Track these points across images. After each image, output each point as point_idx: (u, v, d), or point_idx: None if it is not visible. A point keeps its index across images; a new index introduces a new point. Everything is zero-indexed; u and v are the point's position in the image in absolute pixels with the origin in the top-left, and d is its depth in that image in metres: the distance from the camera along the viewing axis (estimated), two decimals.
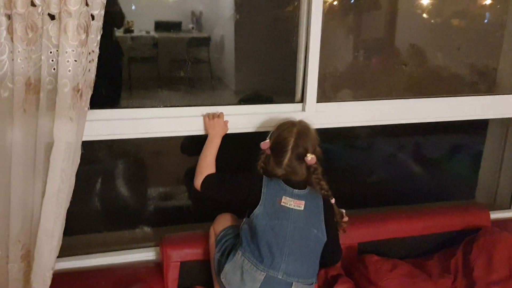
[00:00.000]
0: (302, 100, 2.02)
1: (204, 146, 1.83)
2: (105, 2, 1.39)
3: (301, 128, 1.74)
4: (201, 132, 1.89)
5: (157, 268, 1.96)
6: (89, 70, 1.41)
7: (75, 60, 1.35)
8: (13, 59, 1.40)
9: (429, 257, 2.04)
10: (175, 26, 2.03)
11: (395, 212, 2.19)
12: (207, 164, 1.78)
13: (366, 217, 2.12)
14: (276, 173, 1.72)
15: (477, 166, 2.67)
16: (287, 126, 1.75)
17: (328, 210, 1.73)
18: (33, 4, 1.36)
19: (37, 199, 1.53)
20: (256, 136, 1.88)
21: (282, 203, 1.67)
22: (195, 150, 1.89)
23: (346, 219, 1.81)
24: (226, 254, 1.72)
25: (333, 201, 1.75)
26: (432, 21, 2.27)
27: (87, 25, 1.35)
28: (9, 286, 1.65)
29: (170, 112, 1.90)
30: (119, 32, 1.92)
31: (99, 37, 1.41)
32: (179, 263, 1.87)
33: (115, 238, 2.21)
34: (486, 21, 2.35)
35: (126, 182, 2.18)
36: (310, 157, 1.68)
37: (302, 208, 1.68)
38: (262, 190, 1.69)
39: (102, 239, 2.18)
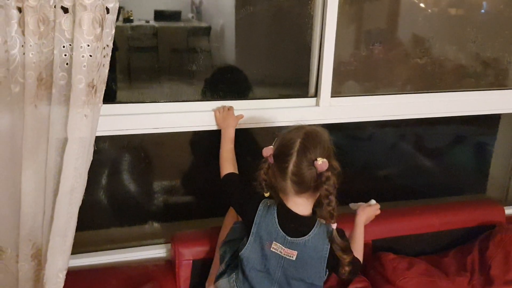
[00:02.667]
0: (316, 94, 1.98)
1: (221, 142, 1.74)
2: None
3: (310, 131, 1.45)
4: (213, 127, 1.86)
5: (168, 265, 1.93)
6: (103, 65, 1.37)
7: (90, 55, 1.31)
8: (24, 53, 1.35)
9: (444, 254, 2.01)
10: (175, 15, 1.99)
11: (409, 209, 2.16)
12: (224, 160, 1.67)
13: (380, 213, 2.08)
14: (281, 187, 1.45)
15: (488, 161, 2.64)
16: (293, 129, 1.48)
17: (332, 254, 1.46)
18: None
19: (49, 197, 1.50)
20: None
21: (272, 249, 1.45)
22: (203, 145, 1.85)
23: (347, 261, 1.46)
24: (227, 261, 1.66)
25: (334, 226, 1.44)
26: (447, 13, 2.23)
27: (102, 18, 1.30)
28: (19, 286, 1.62)
29: (181, 107, 1.87)
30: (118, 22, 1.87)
31: (113, 31, 1.37)
32: (191, 261, 1.84)
33: (122, 234, 2.17)
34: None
35: (133, 177, 2.14)
36: (321, 161, 1.36)
37: (294, 259, 1.45)
38: (252, 228, 1.47)
39: (109, 235, 2.15)
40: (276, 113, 1.92)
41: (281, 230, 1.45)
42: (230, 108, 1.82)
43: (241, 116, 1.83)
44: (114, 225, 2.17)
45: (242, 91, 2.05)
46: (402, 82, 2.22)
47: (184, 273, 1.83)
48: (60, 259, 1.48)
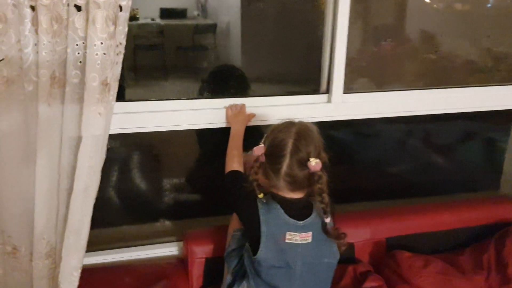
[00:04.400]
0: (328, 91, 1.96)
1: (229, 139, 1.71)
2: None
3: (301, 128, 1.45)
4: (223, 125, 1.85)
5: (180, 263, 1.93)
6: (116, 63, 1.36)
7: (104, 53, 1.30)
8: (37, 52, 1.35)
9: (459, 252, 1.99)
10: (180, 13, 1.98)
11: (423, 206, 2.14)
12: (231, 157, 1.63)
13: (394, 211, 2.08)
14: (274, 185, 1.46)
15: (502, 157, 2.62)
16: (284, 127, 1.46)
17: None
18: None
19: (63, 196, 1.50)
20: None
21: (286, 240, 1.44)
22: (213, 143, 1.85)
23: (344, 242, 1.52)
24: (232, 272, 1.64)
25: (327, 220, 1.46)
26: (458, 8, 2.20)
27: (115, 16, 1.29)
28: (33, 284, 1.62)
29: (192, 104, 1.86)
30: None
31: (126, 29, 1.36)
32: (204, 259, 1.84)
33: (133, 232, 2.18)
34: None
35: (143, 175, 2.14)
36: (315, 162, 1.38)
37: (310, 241, 1.46)
38: (261, 229, 1.44)
39: (119, 233, 2.15)
40: (287, 110, 1.91)
41: (290, 219, 1.45)
42: (242, 106, 1.81)
43: (253, 115, 1.82)
44: (124, 223, 2.17)
45: (250, 88, 2.05)
46: (415, 77, 2.20)
47: (197, 271, 1.83)
48: (75, 257, 1.48)
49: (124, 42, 1.37)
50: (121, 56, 1.38)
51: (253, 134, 1.82)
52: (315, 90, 2.01)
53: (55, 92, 1.41)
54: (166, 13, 1.95)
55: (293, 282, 1.48)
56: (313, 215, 1.48)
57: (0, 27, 1.29)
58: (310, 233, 1.45)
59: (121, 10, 1.31)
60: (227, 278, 1.63)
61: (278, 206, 1.46)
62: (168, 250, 2.01)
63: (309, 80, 2.11)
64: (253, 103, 1.87)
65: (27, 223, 1.54)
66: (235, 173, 1.60)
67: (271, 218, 1.45)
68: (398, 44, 2.16)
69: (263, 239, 1.44)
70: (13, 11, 1.29)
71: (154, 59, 1.99)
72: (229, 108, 1.81)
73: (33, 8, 1.32)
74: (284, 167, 1.40)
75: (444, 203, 2.17)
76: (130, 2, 1.33)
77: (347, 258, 1.93)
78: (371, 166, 2.42)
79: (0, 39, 1.30)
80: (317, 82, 2.00)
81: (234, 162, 1.62)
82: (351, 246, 1.94)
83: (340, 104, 1.94)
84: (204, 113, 1.84)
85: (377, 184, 2.41)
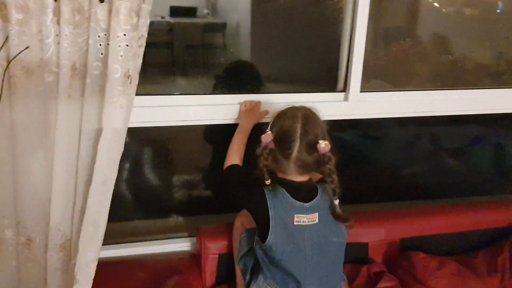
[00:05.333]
0: (345, 89, 1.95)
1: (235, 133, 1.71)
2: None
3: (306, 112, 1.50)
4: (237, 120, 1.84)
5: (193, 259, 1.93)
6: (138, 55, 1.36)
7: (127, 45, 1.30)
8: (58, 43, 1.35)
9: (473, 254, 1.98)
10: (190, 11, 1.97)
11: (437, 207, 2.13)
12: (232, 152, 1.65)
13: (408, 212, 2.07)
14: (284, 170, 1.50)
15: None
16: (289, 112, 1.51)
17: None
18: None
19: (80, 187, 1.49)
20: None
21: (295, 223, 1.47)
22: (226, 139, 1.83)
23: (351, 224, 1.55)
24: (250, 270, 1.65)
25: (337, 202, 1.52)
26: (470, 12, 2.20)
27: (139, 8, 1.29)
28: (47, 275, 1.62)
29: (210, 100, 1.86)
30: None
31: (148, 21, 1.35)
32: (217, 255, 1.83)
33: (146, 227, 2.17)
34: None
35: (157, 170, 2.14)
36: (324, 144, 1.42)
37: (317, 221, 1.50)
38: (270, 213, 1.47)
39: (133, 228, 2.15)
40: None
41: (297, 201, 1.48)
42: (257, 103, 1.79)
43: (266, 112, 1.80)
44: (137, 217, 2.16)
45: (264, 86, 2.03)
46: (430, 78, 2.19)
47: (210, 267, 1.83)
48: (92, 249, 1.48)
49: (146, 35, 1.37)
50: (143, 49, 1.38)
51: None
52: (329, 89, 2.00)
53: (75, 84, 1.40)
54: (176, 11, 1.94)
55: (305, 264, 1.50)
56: (319, 196, 1.51)
57: (21, 17, 1.28)
58: (316, 214, 1.49)
59: (144, 3, 1.31)
60: (246, 277, 1.65)
61: (284, 191, 1.49)
62: (181, 245, 2.01)
63: (320, 80, 2.11)
64: (269, 100, 1.86)
65: (43, 215, 1.54)
66: (234, 167, 1.62)
67: (278, 202, 1.48)
68: (413, 45, 2.15)
69: (272, 223, 1.47)
70: (35, 1, 1.28)
71: (163, 57, 1.98)
72: (243, 103, 1.80)
73: None
74: (295, 152, 1.44)
75: (459, 205, 2.16)
76: None
77: (361, 258, 1.93)
78: (384, 167, 2.41)
79: (21, 29, 1.30)
80: (330, 81, 1.99)
81: (234, 157, 1.64)
82: (365, 246, 1.93)
83: (357, 103, 1.93)
84: (219, 108, 1.84)
85: (389, 185, 2.40)
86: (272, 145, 1.48)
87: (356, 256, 1.91)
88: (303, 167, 1.48)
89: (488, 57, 2.26)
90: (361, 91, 1.94)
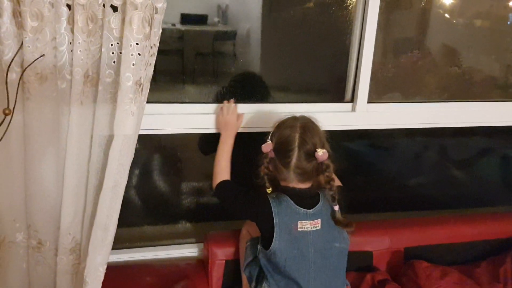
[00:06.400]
0: (352, 100, 1.97)
1: (218, 148, 1.71)
2: None
3: (305, 122, 1.54)
4: (250, 129, 1.85)
5: (200, 265, 1.95)
6: (150, 64, 1.39)
7: (139, 54, 1.33)
8: (72, 50, 1.38)
9: (476, 264, 1.99)
10: (201, 19, 2.00)
11: (442, 218, 2.15)
12: (221, 169, 1.66)
13: (413, 221, 2.08)
14: (285, 178, 1.54)
15: None
16: (288, 122, 1.55)
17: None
18: None
19: (91, 193, 1.52)
20: None
21: (299, 229, 1.51)
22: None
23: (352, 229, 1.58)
24: (255, 278, 1.67)
25: (336, 208, 1.55)
26: (480, 24, 2.21)
27: (151, 18, 1.32)
28: (57, 278, 1.65)
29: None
30: None
31: (160, 31, 1.38)
32: (224, 261, 1.85)
33: (154, 232, 2.20)
34: None
35: (165, 177, 2.16)
36: (322, 152, 1.47)
37: (320, 227, 1.53)
38: (274, 220, 1.50)
39: (141, 233, 2.17)
40: None
41: (300, 208, 1.52)
42: (233, 111, 1.75)
43: (242, 117, 1.78)
44: (146, 223, 2.19)
45: (273, 95, 2.05)
46: (440, 90, 2.20)
47: (217, 273, 1.84)
48: (101, 253, 1.50)
49: (157, 44, 1.40)
50: (154, 58, 1.41)
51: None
52: (337, 99, 2.02)
53: (87, 91, 1.43)
54: (187, 19, 1.96)
55: (309, 270, 1.52)
56: (321, 203, 1.55)
57: (36, 24, 1.31)
58: (319, 220, 1.53)
59: (156, 12, 1.33)
60: (252, 285, 1.67)
61: (288, 198, 1.53)
62: (189, 251, 2.04)
63: (328, 90, 2.13)
64: (278, 110, 1.89)
65: (54, 218, 1.57)
66: (225, 183, 1.64)
67: (282, 209, 1.51)
68: (421, 57, 2.16)
69: (276, 229, 1.50)
70: (49, 9, 1.32)
71: (173, 64, 2.00)
72: (219, 114, 1.77)
73: (69, 7, 1.35)
74: (294, 160, 1.49)
75: (463, 216, 2.17)
76: (165, 5, 1.35)
77: (365, 266, 1.94)
78: (390, 177, 2.42)
79: (36, 37, 1.33)
80: (338, 92, 2.01)
81: (223, 174, 1.66)
82: (369, 254, 1.94)
83: (364, 113, 1.95)
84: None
85: (395, 195, 2.41)
86: (272, 154, 1.54)
87: (360, 264, 1.93)
88: (303, 175, 1.52)
89: (497, 69, 2.27)
90: (368, 102, 1.95)
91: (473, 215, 2.19)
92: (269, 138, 1.55)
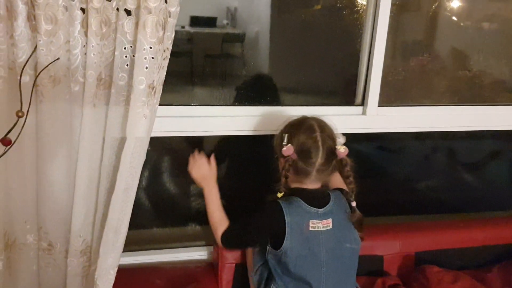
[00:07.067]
0: (363, 103, 1.97)
1: (206, 201, 1.69)
2: None
3: (319, 121, 1.56)
4: (260, 132, 1.86)
5: (210, 268, 1.94)
6: (162, 67, 1.39)
7: (152, 58, 1.33)
8: (85, 54, 1.39)
9: (488, 269, 1.97)
10: (210, 21, 2.00)
11: (453, 222, 2.12)
12: (218, 219, 1.65)
13: (424, 225, 2.07)
14: (302, 179, 1.55)
15: None
16: (305, 122, 1.56)
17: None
18: None
19: (102, 195, 1.53)
20: None
21: (310, 229, 1.51)
22: (243, 149, 1.84)
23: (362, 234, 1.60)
24: (265, 280, 1.66)
25: (353, 204, 1.57)
26: (488, 27, 2.20)
27: (164, 22, 1.32)
28: (67, 281, 1.65)
29: (228, 111, 1.89)
30: None
31: (173, 35, 1.39)
32: (234, 264, 1.84)
33: (163, 235, 2.20)
34: None
35: (175, 179, 2.16)
36: (343, 149, 1.50)
37: (331, 227, 1.53)
38: (286, 219, 1.49)
39: (150, 235, 2.17)
40: None
41: (312, 207, 1.52)
42: (201, 160, 1.71)
43: (214, 161, 1.73)
44: (155, 226, 2.19)
45: (283, 98, 2.05)
46: (450, 93, 2.20)
47: (227, 276, 1.84)
48: (112, 256, 1.51)
49: (170, 47, 1.40)
50: (167, 61, 1.41)
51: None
52: (347, 102, 2.02)
53: (100, 94, 1.44)
54: (196, 21, 1.96)
55: (320, 270, 1.52)
56: (332, 203, 1.56)
57: (50, 28, 1.32)
58: (330, 220, 1.53)
59: (170, 16, 1.34)
60: (253, 277, 1.68)
61: (298, 199, 1.53)
62: (198, 254, 2.03)
63: (338, 93, 2.12)
64: (287, 113, 1.88)
65: (65, 220, 1.57)
66: (228, 231, 1.63)
67: (293, 209, 1.51)
68: (431, 60, 2.16)
69: (288, 229, 1.49)
70: (63, 12, 1.32)
71: (182, 66, 2.01)
72: (192, 169, 1.71)
73: (83, 10, 1.35)
74: (319, 159, 1.49)
75: (475, 220, 2.16)
76: (178, 9, 1.35)
77: (376, 270, 1.93)
78: (400, 180, 2.41)
79: (50, 40, 1.33)
80: (348, 95, 2.01)
81: (221, 223, 1.65)
82: (380, 258, 1.93)
83: (375, 117, 1.94)
84: (238, 120, 1.86)
85: (405, 198, 2.40)
86: (295, 156, 1.51)
87: (371, 268, 1.92)
88: (324, 172, 1.54)
89: (506, 73, 2.26)
90: (379, 105, 1.95)
91: (485, 219, 2.18)
92: (285, 141, 1.53)
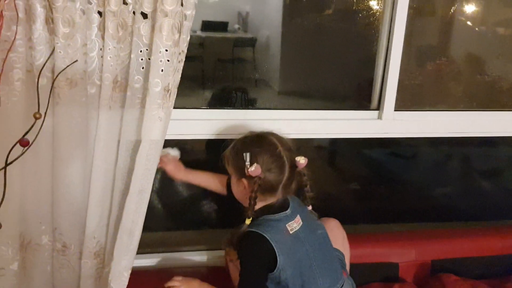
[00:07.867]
0: (379, 107, 1.95)
1: None
2: (197, 2, 1.35)
3: (275, 135, 1.53)
4: None
5: (221, 271, 1.93)
6: (178, 70, 1.39)
7: (168, 60, 1.34)
8: (102, 57, 1.40)
9: (506, 278, 1.93)
10: (221, 26, 2.01)
11: (470, 230, 2.10)
12: None
13: (440, 233, 2.04)
14: (267, 197, 1.51)
15: None
16: (264, 140, 1.51)
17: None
18: (124, 2, 1.35)
19: (116, 197, 1.53)
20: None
21: (291, 232, 1.49)
22: None
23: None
24: None
25: (309, 207, 1.61)
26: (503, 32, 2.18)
27: (180, 25, 1.33)
28: (81, 282, 1.66)
29: (240, 115, 1.89)
30: None
31: (188, 38, 1.39)
32: None
33: (176, 238, 2.20)
34: None
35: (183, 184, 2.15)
36: (303, 160, 1.49)
37: (302, 222, 1.53)
38: (272, 244, 1.43)
39: (163, 238, 2.18)
40: (335, 125, 1.92)
41: (280, 214, 1.51)
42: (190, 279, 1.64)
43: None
44: (167, 228, 2.20)
45: (295, 103, 2.06)
46: (468, 98, 2.17)
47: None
48: (126, 258, 1.51)
49: (185, 50, 1.40)
50: (182, 64, 1.41)
51: None
52: (362, 107, 2.01)
53: (116, 96, 1.45)
54: (207, 25, 1.97)
55: (311, 267, 1.51)
56: (291, 202, 1.56)
57: (67, 31, 1.33)
58: (298, 216, 1.54)
59: (185, 19, 1.34)
60: None
61: (265, 215, 1.51)
62: (211, 257, 2.02)
63: (353, 97, 2.11)
64: (302, 116, 1.88)
65: (79, 222, 1.58)
66: None
67: (268, 228, 1.46)
68: (448, 65, 2.14)
69: (277, 250, 1.43)
70: (81, 16, 1.34)
71: (193, 70, 2.01)
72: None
73: (100, 13, 1.36)
74: (286, 174, 1.48)
75: (492, 228, 2.12)
76: (194, 12, 1.36)
77: (391, 277, 1.91)
78: (415, 187, 2.39)
79: (67, 43, 1.35)
80: (363, 99, 2.01)
81: None
82: (395, 266, 1.91)
83: (391, 121, 1.93)
84: (250, 123, 1.85)
85: (420, 205, 2.37)
86: (262, 176, 1.46)
87: (386, 275, 1.90)
88: (288, 188, 1.53)
89: None
90: (395, 110, 1.93)
91: (503, 227, 2.13)
92: (248, 161, 1.46)
